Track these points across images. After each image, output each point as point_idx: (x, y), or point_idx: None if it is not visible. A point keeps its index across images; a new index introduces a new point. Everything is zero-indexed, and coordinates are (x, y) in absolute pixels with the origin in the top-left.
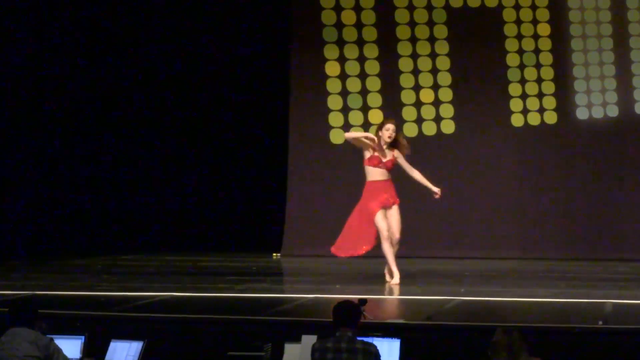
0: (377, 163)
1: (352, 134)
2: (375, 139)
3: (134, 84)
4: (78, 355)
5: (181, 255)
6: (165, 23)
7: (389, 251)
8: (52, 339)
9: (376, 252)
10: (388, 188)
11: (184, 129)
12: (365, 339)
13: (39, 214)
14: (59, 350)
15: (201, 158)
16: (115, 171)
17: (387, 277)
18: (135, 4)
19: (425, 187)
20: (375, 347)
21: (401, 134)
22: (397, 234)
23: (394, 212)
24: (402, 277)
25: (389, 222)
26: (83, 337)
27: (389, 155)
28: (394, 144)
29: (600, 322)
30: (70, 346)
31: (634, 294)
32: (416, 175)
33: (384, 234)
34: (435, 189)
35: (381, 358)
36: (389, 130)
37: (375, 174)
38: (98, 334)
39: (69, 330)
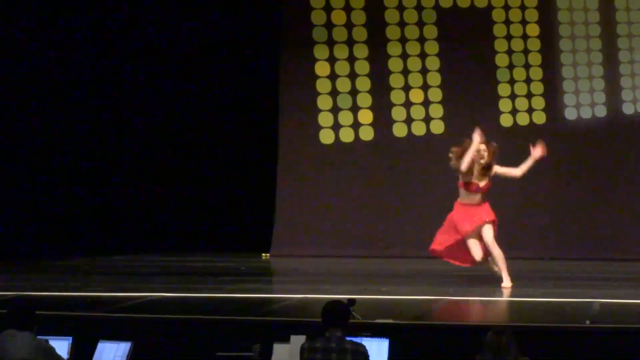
0: (475, 189)
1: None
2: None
3: (119, 82)
4: (66, 356)
5: (170, 256)
6: (155, 20)
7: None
8: (47, 341)
9: (363, 252)
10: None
11: (173, 128)
12: (354, 339)
13: (24, 215)
14: (55, 353)
15: (190, 157)
16: (104, 170)
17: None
18: (124, 3)
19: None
20: (364, 347)
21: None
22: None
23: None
24: (392, 277)
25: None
26: (71, 338)
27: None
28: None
29: (588, 322)
30: (58, 347)
31: (622, 293)
32: (519, 171)
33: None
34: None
35: (370, 358)
36: (479, 152)
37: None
38: (86, 335)
39: (56, 331)
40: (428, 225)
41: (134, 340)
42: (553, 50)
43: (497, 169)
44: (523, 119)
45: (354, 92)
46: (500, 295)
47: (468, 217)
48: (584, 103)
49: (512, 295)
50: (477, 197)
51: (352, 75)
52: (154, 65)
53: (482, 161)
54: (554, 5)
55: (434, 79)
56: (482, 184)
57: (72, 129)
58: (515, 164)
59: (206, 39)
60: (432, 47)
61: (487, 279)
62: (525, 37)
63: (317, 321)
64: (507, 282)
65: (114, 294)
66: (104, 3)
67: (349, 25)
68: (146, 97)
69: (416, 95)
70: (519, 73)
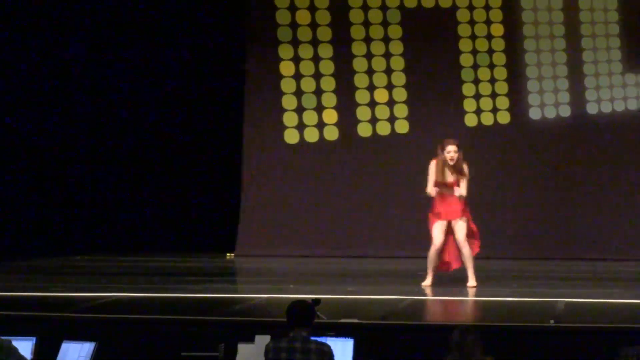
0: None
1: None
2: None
3: (78, 85)
4: (29, 356)
5: (134, 256)
6: (123, 20)
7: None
8: (10, 341)
9: (328, 252)
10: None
11: (136, 128)
12: (319, 339)
13: None
14: (18, 353)
15: (154, 157)
16: (68, 171)
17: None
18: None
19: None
20: (329, 347)
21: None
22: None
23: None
24: (357, 277)
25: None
26: (34, 339)
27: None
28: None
29: (552, 321)
30: (21, 347)
31: (586, 292)
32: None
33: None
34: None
35: (335, 358)
36: (450, 153)
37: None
38: (50, 335)
39: (19, 331)
40: (393, 225)
41: (98, 341)
42: (517, 50)
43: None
44: (487, 119)
45: (318, 92)
46: (466, 294)
47: (445, 205)
48: (548, 103)
49: (477, 295)
50: (451, 190)
51: (317, 75)
52: (116, 64)
53: (452, 162)
54: (518, 6)
55: (399, 78)
56: (451, 179)
57: (31, 129)
58: (479, 163)
59: (171, 39)
60: (396, 47)
61: (452, 279)
62: (489, 37)
63: (282, 321)
64: (472, 282)
65: (78, 294)
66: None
67: (314, 25)
68: (106, 96)
69: (381, 95)
70: (484, 73)
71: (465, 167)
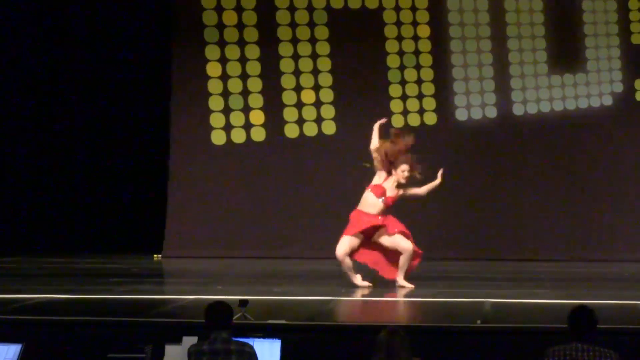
0: (381, 194)
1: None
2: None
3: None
4: None
5: (60, 257)
6: (51, 19)
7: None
8: None
9: (255, 253)
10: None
11: (63, 126)
12: (246, 340)
13: None
14: None
15: (81, 158)
16: None
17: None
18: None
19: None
20: (250, 346)
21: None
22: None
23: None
24: (285, 278)
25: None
26: None
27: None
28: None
29: (479, 322)
30: None
31: (513, 293)
32: (424, 190)
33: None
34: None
35: (261, 358)
36: (404, 172)
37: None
38: None
39: None
40: (320, 225)
41: (24, 342)
42: (444, 51)
43: (407, 190)
44: (414, 120)
45: (245, 93)
46: (394, 295)
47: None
48: (474, 104)
49: (405, 295)
50: (379, 207)
51: (244, 76)
52: (48, 63)
53: (403, 181)
54: (444, 7)
55: (326, 79)
56: (390, 194)
57: None
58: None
59: (96, 39)
60: (323, 48)
61: (381, 279)
62: (416, 38)
63: None
64: (401, 281)
65: (3, 295)
66: None
67: (240, 26)
68: (37, 95)
69: (308, 96)
70: (410, 74)
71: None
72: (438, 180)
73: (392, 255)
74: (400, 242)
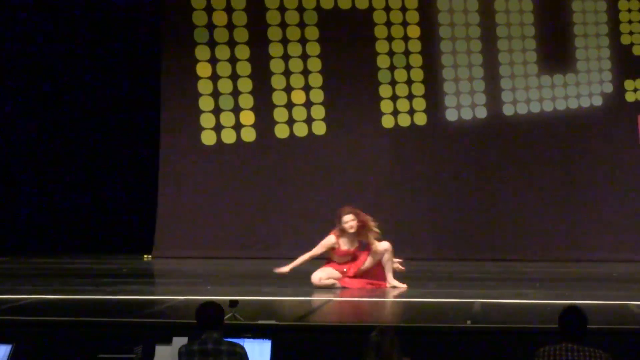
0: (344, 254)
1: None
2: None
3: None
4: None
5: (50, 257)
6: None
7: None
8: None
9: (245, 254)
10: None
11: (55, 129)
12: (236, 340)
13: None
14: None
15: (71, 158)
16: None
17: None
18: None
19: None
20: (241, 347)
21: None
22: None
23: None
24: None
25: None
26: None
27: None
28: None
29: (469, 322)
30: None
31: (503, 293)
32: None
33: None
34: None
35: (252, 359)
36: (347, 223)
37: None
38: None
39: None
40: (310, 226)
41: (14, 343)
42: (434, 51)
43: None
44: (404, 120)
45: (235, 93)
46: (384, 295)
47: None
48: (464, 104)
49: (395, 296)
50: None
51: (234, 77)
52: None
53: (352, 231)
54: (434, 7)
55: (316, 80)
56: (352, 248)
57: None
58: (396, 164)
59: (87, 39)
60: (313, 49)
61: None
62: (406, 38)
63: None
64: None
65: None
66: None
67: (231, 26)
68: (31, 96)
69: (298, 97)
70: (400, 74)
71: (371, 229)
72: (397, 268)
73: (374, 272)
74: (378, 247)
